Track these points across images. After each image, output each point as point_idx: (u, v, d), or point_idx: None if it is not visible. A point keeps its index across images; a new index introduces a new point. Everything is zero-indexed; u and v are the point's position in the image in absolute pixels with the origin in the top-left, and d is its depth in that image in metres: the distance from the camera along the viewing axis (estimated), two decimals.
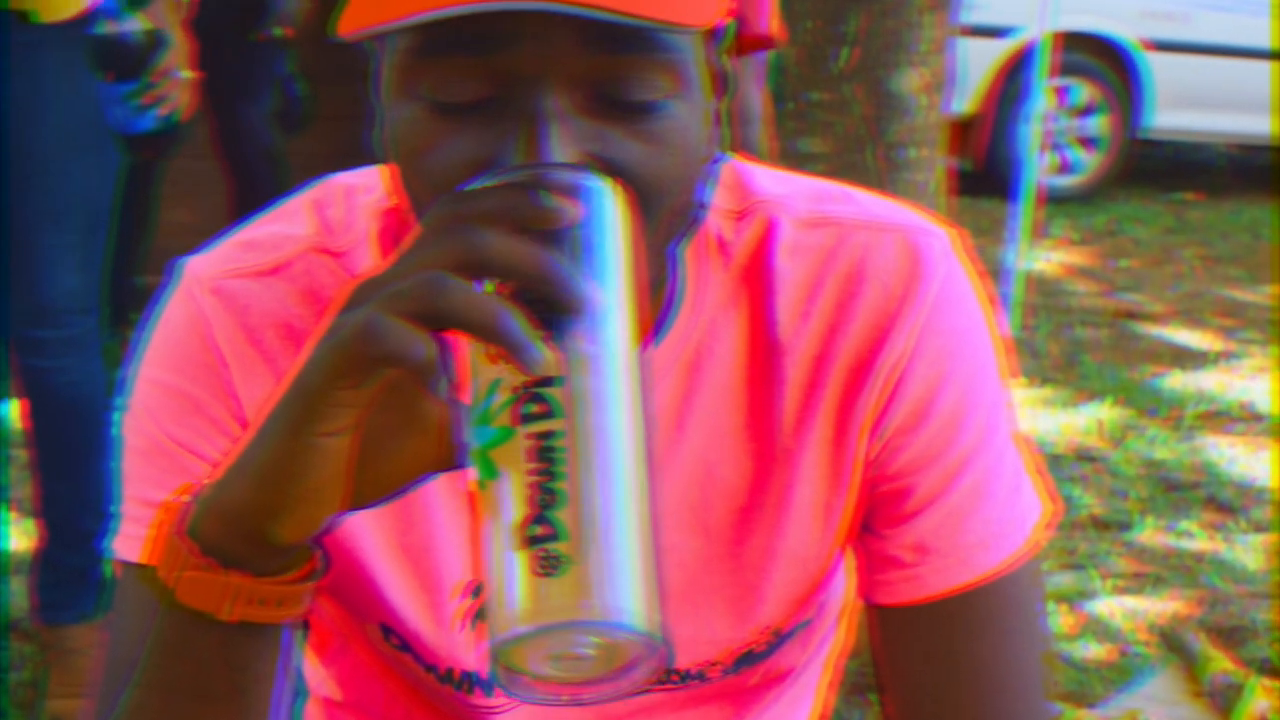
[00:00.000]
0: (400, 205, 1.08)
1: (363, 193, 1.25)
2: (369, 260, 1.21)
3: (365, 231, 1.22)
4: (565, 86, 1.01)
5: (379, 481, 0.99)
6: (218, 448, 1.20)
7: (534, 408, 0.92)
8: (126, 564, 1.22)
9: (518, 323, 0.91)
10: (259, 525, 0.98)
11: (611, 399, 0.93)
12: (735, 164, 1.27)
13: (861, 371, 1.21)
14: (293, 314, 1.21)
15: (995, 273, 6.37)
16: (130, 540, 1.21)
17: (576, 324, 0.94)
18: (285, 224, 1.24)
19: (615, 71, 1.02)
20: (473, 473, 0.93)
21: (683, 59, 1.04)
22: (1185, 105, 9.32)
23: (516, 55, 1.00)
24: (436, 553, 1.25)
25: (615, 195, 1.00)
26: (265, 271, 1.21)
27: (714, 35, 1.10)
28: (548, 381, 0.92)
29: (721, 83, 1.12)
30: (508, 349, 0.91)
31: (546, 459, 0.91)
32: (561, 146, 1.00)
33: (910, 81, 3.04)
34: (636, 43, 1.01)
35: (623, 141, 1.03)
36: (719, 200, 1.23)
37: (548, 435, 0.91)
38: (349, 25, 1.01)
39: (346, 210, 1.24)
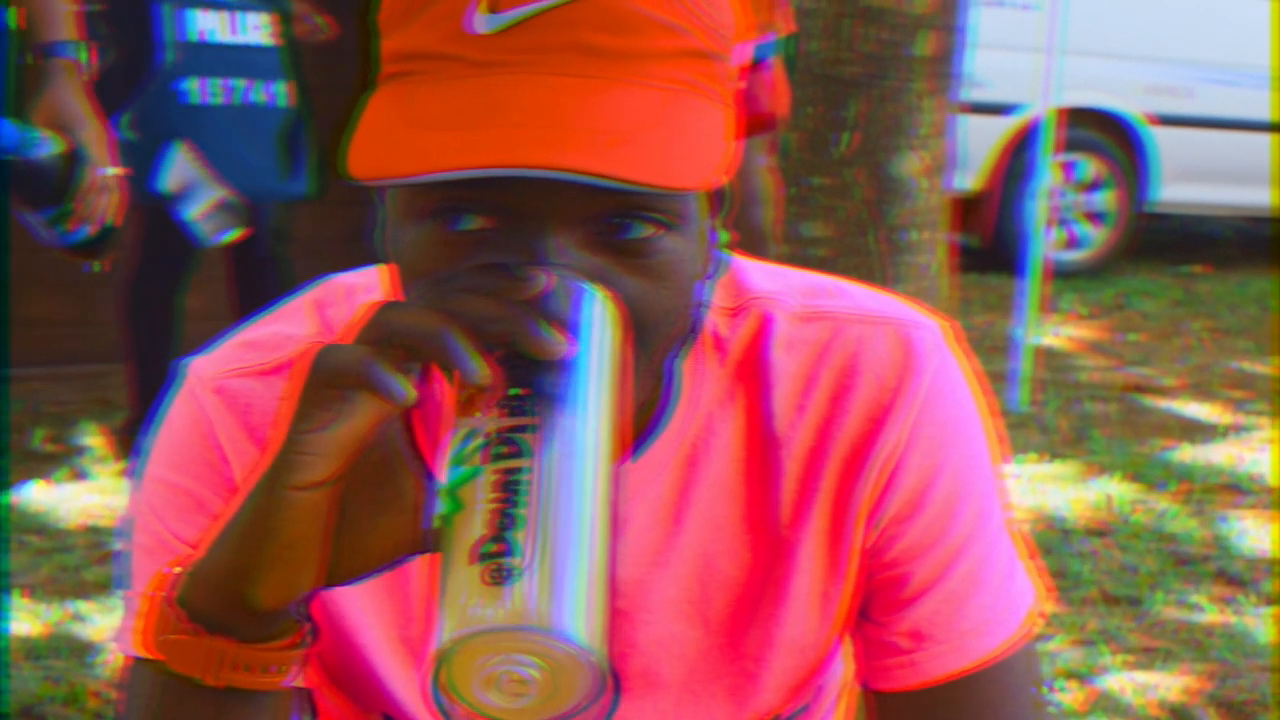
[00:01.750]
0: None
1: (363, 293, 1.27)
2: None
3: None
4: (566, 226, 1.04)
5: (355, 558, 1.01)
6: None
7: (505, 449, 0.95)
8: (136, 659, 1.24)
9: (458, 340, 0.94)
10: (238, 588, 1.00)
11: (581, 448, 0.96)
12: (730, 260, 1.29)
13: (857, 462, 1.23)
14: None
15: (1004, 348, 6.39)
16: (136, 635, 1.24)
17: (552, 378, 0.97)
18: (286, 324, 1.27)
19: (615, 214, 1.05)
20: (438, 509, 0.95)
21: (682, 199, 1.08)
22: (1191, 179, 9.35)
23: (520, 195, 1.03)
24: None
25: (607, 303, 1.03)
26: (267, 371, 1.24)
27: None
28: (521, 429, 0.95)
29: (718, 202, 1.15)
30: (447, 360, 0.94)
31: (511, 490, 0.93)
32: None
33: (911, 165, 3.07)
34: (639, 191, 1.03)
35: (621, 276, 1.06)
36: (714, 297, 1.26)
37: (514, 471, 0.94)
38: (360, 170, 1.03)
39: (348, 311, 1.26)
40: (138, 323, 5.30)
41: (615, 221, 1.06)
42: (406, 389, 0.96)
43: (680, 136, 1.04)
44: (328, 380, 0.96)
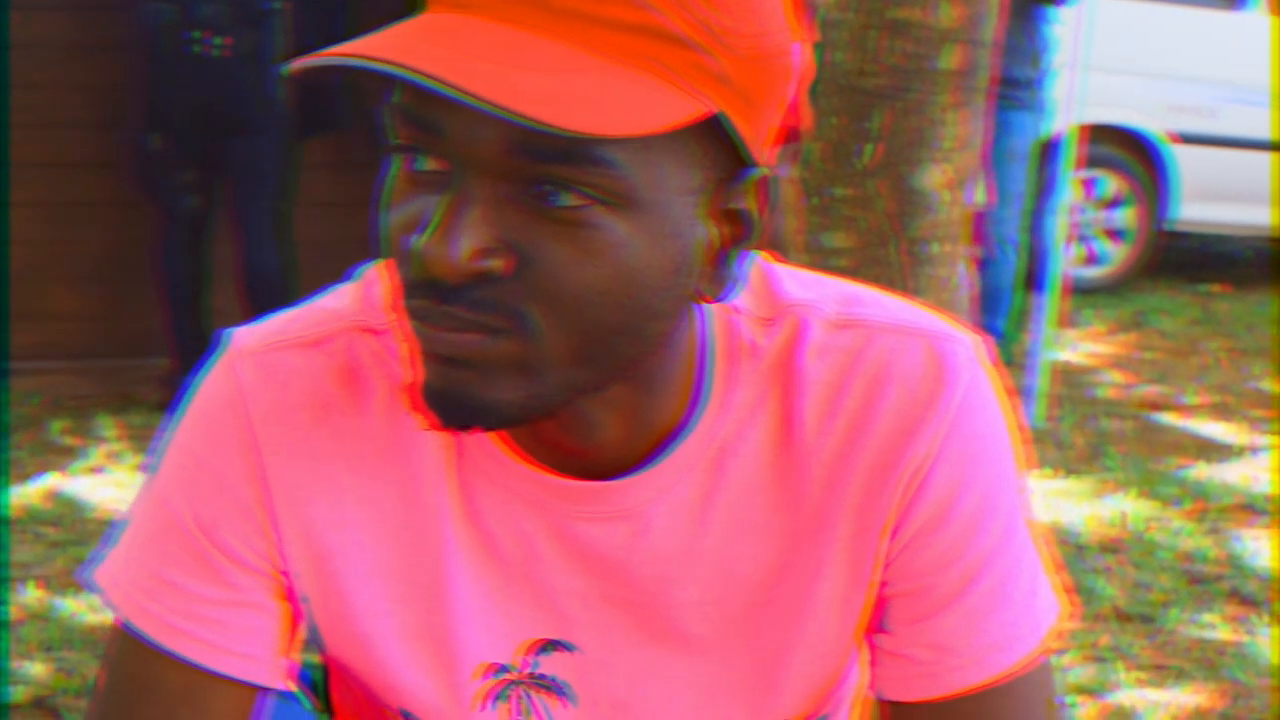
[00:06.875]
0: None
1: None
2: None
3: None
4: (492, 177, 1.05)
5: None
6: (237, 531, 1.24)
7: None
8: (127, 626, 1.27)
9: None
10: None
11: None
12: (764, 268, 1.29)
13: (884, 473, 1.24)
14: (328, 391, 1.25)
15: (1021, 363, 6.39)
16: (133, 605, 1.27)
17: None
18: (330, 300, 1.29)
19: (537, 175, 1.05)
20: None
21: (623, 174, 1.05)
22: (1211, 198, 9.34)
23: (453, 140, 1.05)
24: (457, 634, 1.27)
25: None
26: (308, 343, 1.25)
27: (723, 176, 1.12)
28: None
29: (741, 224, 1.14)
30: None
31: None
32: (473, 226, 1.05)
33: (933, 178, 3.07)
34: (558, 151, 1.03)
35: (545, 242, 1.06)
36: (749, 306, 1.26)
37: None
38: (295, 68, 1.05)
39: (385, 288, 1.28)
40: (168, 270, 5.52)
41: (543, 189, 1.05)
42: None
43: (599, 94, 1.02)
44: None
